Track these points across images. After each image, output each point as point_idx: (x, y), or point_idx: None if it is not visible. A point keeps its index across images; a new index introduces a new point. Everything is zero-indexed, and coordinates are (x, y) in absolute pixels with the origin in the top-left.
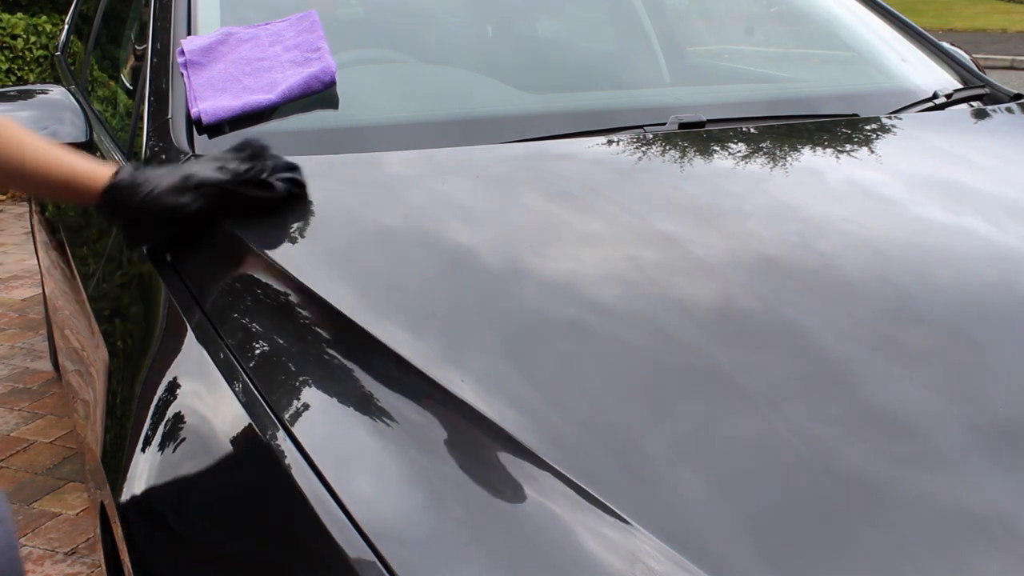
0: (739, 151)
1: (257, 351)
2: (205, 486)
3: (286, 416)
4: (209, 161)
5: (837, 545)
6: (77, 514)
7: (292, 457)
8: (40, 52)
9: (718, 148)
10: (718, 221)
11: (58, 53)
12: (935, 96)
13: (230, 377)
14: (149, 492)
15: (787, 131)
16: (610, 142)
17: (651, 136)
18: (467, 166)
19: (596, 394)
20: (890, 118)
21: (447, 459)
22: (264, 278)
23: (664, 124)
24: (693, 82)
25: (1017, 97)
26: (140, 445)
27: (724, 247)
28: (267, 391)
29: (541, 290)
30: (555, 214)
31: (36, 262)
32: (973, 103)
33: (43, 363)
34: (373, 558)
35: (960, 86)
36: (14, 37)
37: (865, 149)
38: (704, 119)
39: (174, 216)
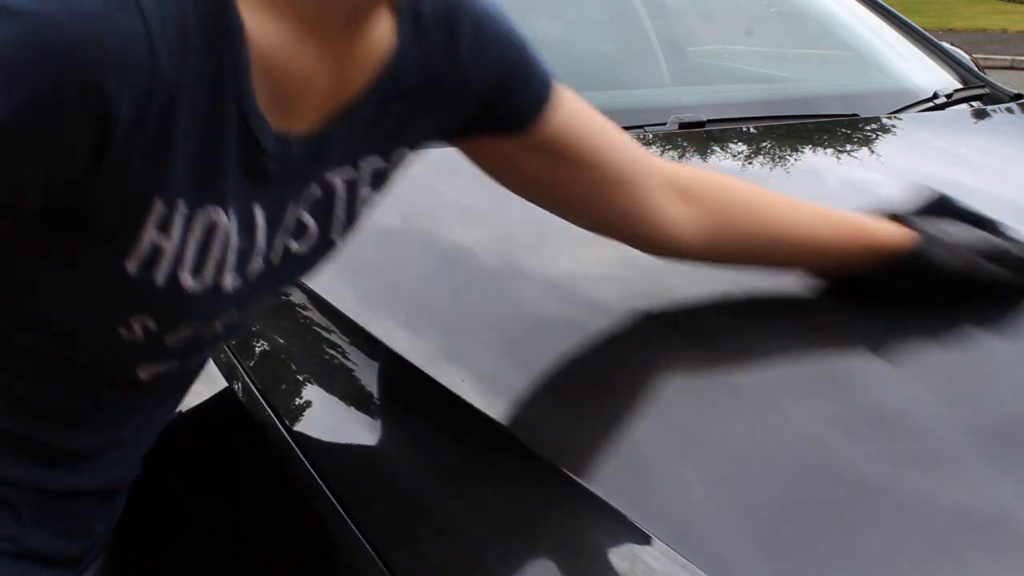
0: (739, 151)
1: (257, 351)
2: (204, 486)
3: (286, 416)
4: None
5: (837, 545)
6: None
7: (292, 457)
8: None
9: (718, 148)
10: None
11: None
12: (935, 96)
13: (230, 377)
14: (148, 492)
15: (787, 131)
16: None
17: (651, 136)
18: (466, 165)
19: (596, 393)
20: (890, 118)
21: (448, 459)
22: None
23: (664, 124)
24: (693, 82)
25: (1017, 97)
26: None
27: None
28: (267, 391)
29: (541, 289)
30: None
31: None
32: (973, 103)
33: None
34: (373, 558)
35: (960, 86)
36: None
37: (865, 149)
38: (704, 119)
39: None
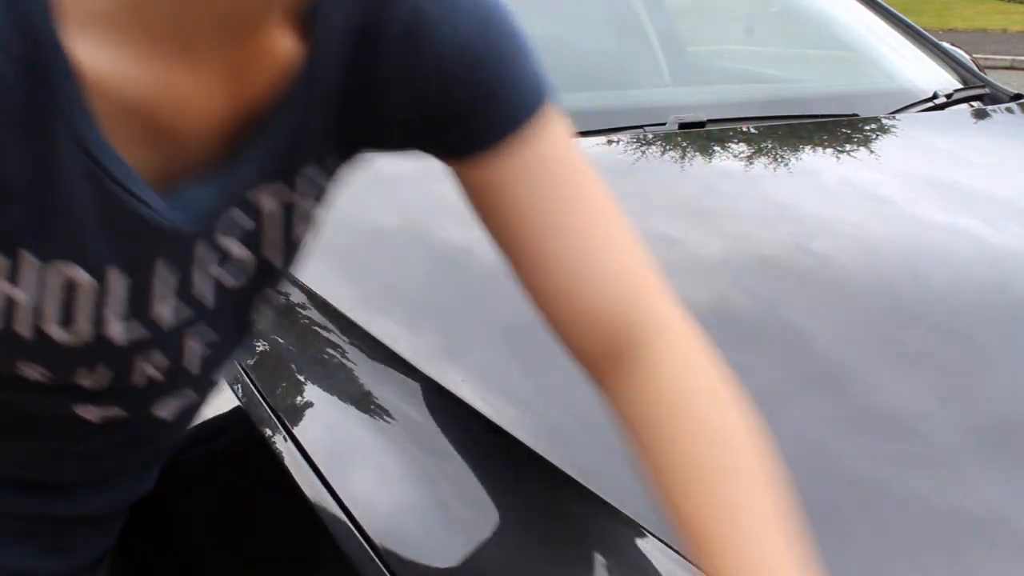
0: (739, 151)
1: (257, 351)
2: (204, 486)
3: (286, 416)
4: None
5: (837, 545)
6: None
7: (292, 457)
8: None
9: (718, 148)
10: (717, 221)
11: None
12: (935, 96)
13: (230, 377)
14: (148, 492)
15: (787, 131)
16: (610, 142)
17: (651, 136)
18: None
19: (596, 393)
20: (890, 118)
21: (447, 458)
22: None
23: (664, 124)
24: (693, 82)
25: (1017, 97)
26: None
27: (723, 247)
28: (267, 391)
29: None
30: None
31: None
32: (973, 103)
33: None
34: (373, 558)
35: (960, 86)
36: None
37: (865, 149)
38: (704, 119)
39: None
